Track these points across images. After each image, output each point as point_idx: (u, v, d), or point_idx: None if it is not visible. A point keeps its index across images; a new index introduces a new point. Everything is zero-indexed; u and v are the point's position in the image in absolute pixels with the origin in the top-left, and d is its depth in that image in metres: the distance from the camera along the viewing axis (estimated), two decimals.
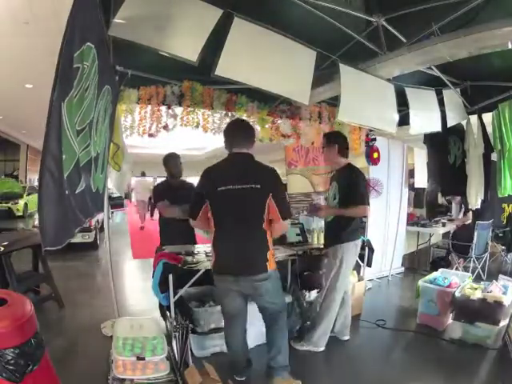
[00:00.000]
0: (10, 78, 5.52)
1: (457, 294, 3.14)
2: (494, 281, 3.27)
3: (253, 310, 2.87)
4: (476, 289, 3.17)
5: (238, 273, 2.23)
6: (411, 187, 6.61)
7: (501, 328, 2.90)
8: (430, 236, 6.16)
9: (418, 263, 5.67)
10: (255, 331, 2.92)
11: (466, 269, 4.64)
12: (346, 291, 3.07)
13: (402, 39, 2.88)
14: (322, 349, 2.94)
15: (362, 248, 3.69)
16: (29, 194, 12.24)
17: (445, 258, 5.16)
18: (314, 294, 3.34)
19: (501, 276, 3.43)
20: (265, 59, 2.49)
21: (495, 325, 2.89)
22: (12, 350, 1.54)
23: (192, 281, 2.76)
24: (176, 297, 2.69)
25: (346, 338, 3.14)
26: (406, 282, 4.88)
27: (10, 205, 11.34)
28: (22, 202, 11.75)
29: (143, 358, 1.98)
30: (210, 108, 3.58)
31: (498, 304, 2.90)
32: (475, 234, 4.48)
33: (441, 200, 7.42)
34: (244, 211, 2.23)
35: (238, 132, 2.37)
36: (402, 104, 3.34)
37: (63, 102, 1.46)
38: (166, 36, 2.21)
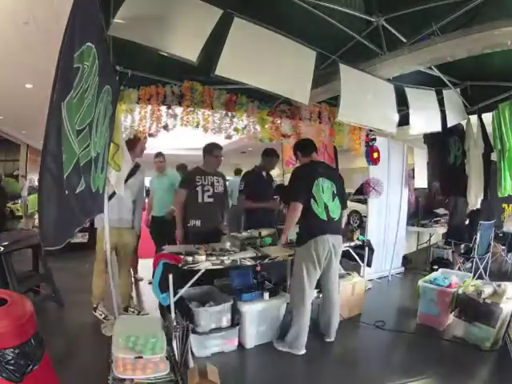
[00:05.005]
0: (9, 78, 5.51)
1: (459, 292, 3.14)
2: (504, 283, 3.20)
3: (252, 310, 2.88)
4: (478, 287, 3.16)
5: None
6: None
7: (498, 331, 2.87)
8: (430, 236, 6.16)
9: (417, 263, 5.67)
10: (255, 331, 2.93)
11: (467, 269, 4.63)
12: (329, 290, 3.00)
13: (402, 39, 2.88)
14: (300, 352, 2.82)
15: (362, 248, 3.70)
16: (29, 194, 12.22)
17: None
18: (314, 293, 3.31)
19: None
20: (265, 59, 2.49)
21: (492, 327, 2.87)
22: (12, 350, 1.54)
23: (192, 281, 2.77)
24: (176, 297, 2.70)
25: (329, 339, 3.03)
26: (406, 282, 4.88)
27: (10, 205, 11.34)
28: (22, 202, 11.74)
29: (141, 357, 1.98)
30: (210, 108, 3.58)
31: (495, 305, 2.89)
32: (478, 234, 4.47)
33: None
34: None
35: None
36: (402, 104, 3.34)
37: (63, 102, 1.45)
38: (166, 36, 2.21)
